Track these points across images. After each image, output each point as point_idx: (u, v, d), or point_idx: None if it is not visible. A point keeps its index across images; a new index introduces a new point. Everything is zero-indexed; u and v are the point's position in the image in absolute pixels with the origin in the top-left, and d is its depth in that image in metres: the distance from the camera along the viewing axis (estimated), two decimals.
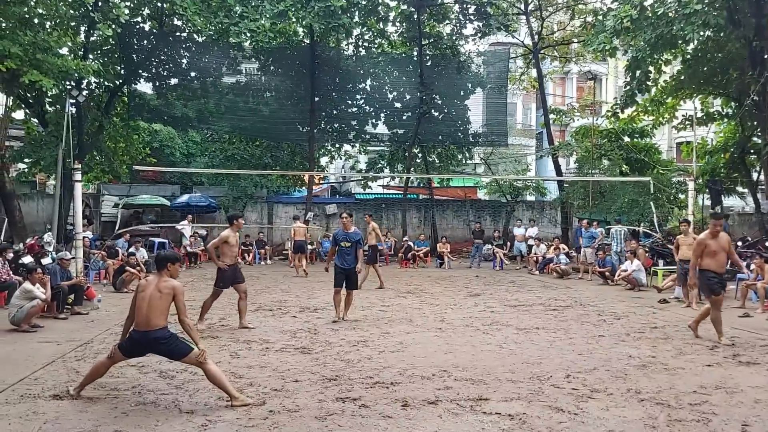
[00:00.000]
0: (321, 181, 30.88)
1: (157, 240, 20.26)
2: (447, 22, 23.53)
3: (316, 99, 24.07)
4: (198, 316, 9.20)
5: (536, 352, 7.60)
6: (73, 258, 10.70)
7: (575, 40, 25.09)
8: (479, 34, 23.04)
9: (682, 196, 22.21)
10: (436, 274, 18.13)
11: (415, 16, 22.75)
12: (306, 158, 25.53)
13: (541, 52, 24.84)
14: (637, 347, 7.87)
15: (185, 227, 19.82)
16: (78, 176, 10.69)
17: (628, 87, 19.49)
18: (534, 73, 27.75)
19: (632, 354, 7.45)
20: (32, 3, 16.56)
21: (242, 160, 25.25)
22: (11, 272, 11.36)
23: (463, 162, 27.62)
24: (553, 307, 11.46)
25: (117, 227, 16.90)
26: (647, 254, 15.93)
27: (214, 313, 10.56)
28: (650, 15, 16.54)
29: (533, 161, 34.61)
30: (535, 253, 18.96)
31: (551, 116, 25.53)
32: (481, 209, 27.05)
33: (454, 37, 23.39)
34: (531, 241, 19.85)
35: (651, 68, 18.88)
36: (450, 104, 25.38)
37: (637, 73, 18.96)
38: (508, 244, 21.02)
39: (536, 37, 24.19)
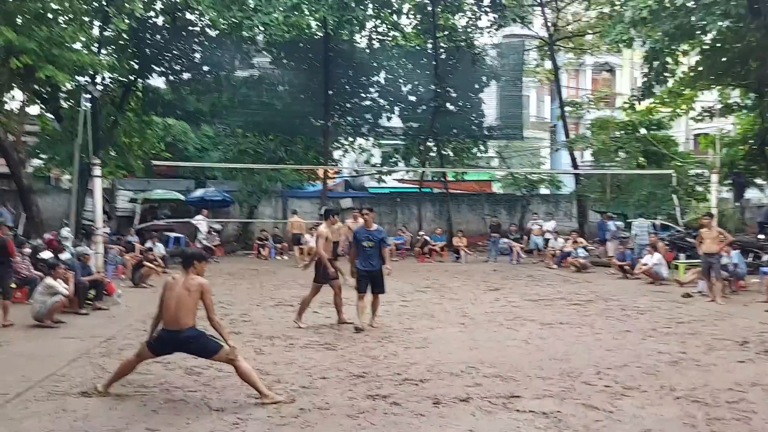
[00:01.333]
0: (335, 175, 30.78)
1: (172, 235, 20.28)
2: (461, 14, 23.31)
3: (330, 92, 23.96)
4: (296, 313, 9.12)
5: (563, 348, 7.50)
6: (94, 253, 10.69)
7: (590, 31, 24.79)
8: (494, 26, 22.82)
9: (700, 189, 21.97)
10: (453, 268, 18.03)
11: (430, 8, 22.57)
12: (320, 152, 25.46)
13: (557, 43, 24.57)
14: (666, 343, 7.74)
15: (201, 222, 19.83)
16: (97, 171, 10.66)
17: (645, 78, 19.24)
18: (548, 65, 27.51)
19: (661, 350, 7.33)
20: None
21: (256, 154, 25.18)
22: (31, 267, 11.38)
23: (478, 155, 27.44)
24: (575, 301, 11.33)
25: (136, 222, 16.90)
26: (667, 247, 15.73)
27: (235, 308, 10.56)
28: (669, 5, 16.29)
29: (548, 154, 34.33)
30: (553, 247, 18.80)
31: (567, 108, 25.27)
32: (497, 203, 26.89)
33: (468, 30, 23.19)
34: (548, 235, 19.68)
35: (669, 59, 18.62)
36: (464, 97, 25.19)
37: (655, 64, 18.73)
38: (525, 237, 20.85)
39: (551, 28, 23.93)
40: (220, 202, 23.42)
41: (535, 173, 26.62)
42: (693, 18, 15.54)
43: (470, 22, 23.38)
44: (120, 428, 4.76)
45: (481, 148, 26.82)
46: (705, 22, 15.29)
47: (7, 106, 18.13)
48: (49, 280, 8.99)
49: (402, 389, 5.82)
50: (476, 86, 25.04)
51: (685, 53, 19.58)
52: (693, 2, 15.67)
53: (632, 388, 5.80)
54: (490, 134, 25.84)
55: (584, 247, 17.70)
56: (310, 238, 20.94)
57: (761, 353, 7.15)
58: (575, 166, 24.62)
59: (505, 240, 20.63)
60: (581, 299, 11.60)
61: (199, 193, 23.50)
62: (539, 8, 23.75)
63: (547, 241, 19.60)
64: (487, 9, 22.43)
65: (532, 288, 13.43)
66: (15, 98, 19.13)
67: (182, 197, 23.22)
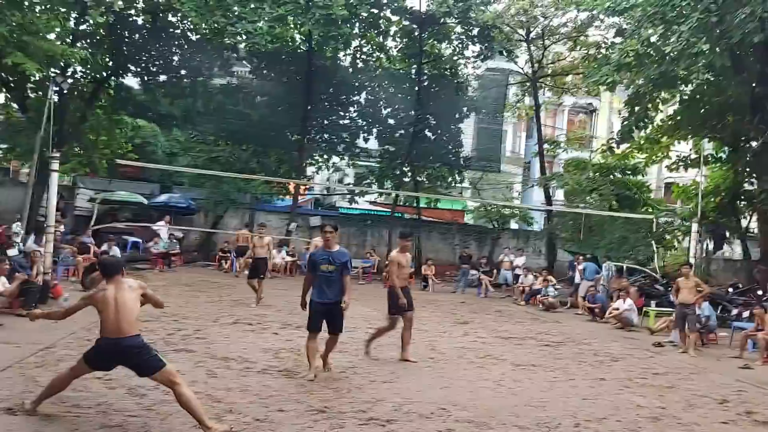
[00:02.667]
0: (306, 192, 30.22)
1: (131, 239, 19.45)
2: (448, 42, 23.25)
3: (309, 107, 23.54)
4: (366, 345, 8.51)
5: (537, 393, 7.07)
6: (43, 252, 9.95)
7: (574, 71, 24.98)
8: (480, 57, 22.79)
9: (668, 237, 22.04)
10: (421, 297, 17.44)
11: (417, 33, 22.44)
12: (293, 167, 24.93)
13: (539, 81, 24.67)
14: (643, 395, 7.37)
15: (161, 228, 19.05)
16: (55, 165, 9.98)
17: (626, 122, 19.30)
18: (528, 101, 27.62)
19: (640, 403, 6.95)
20: None
21: (227, 163, 24.47)
22: None
23: (453, 185, 27.25)
24: (546, 342, 10.97)
25: (92, 222, 16.08)
26: (638, 293, 15.56)
27: (189, 323, 9.91)
28: (654, 53, 16.39)
29: (521, 190, 34.38)
30: (522, 283, 18.52)
31: (544, 146, 25.30)
32: (467, 234, 26.63)
33: (454, 58, 23.13)
34: (518, 271, 19.43)
35: (650, 105, 18.74)
36: (444, 125, 25.04)
37: (636, 109, 18.83)
38: (494, 271, 20.56)
39: (536, 65, 24.02)
40: (185, 209, 22.64)
41: (509, 207, 26.46)
42: (677, 67, 15.63)
43: (456, 51, 23.31)
44: None
45: (457, 177, 26.62)
46: (689, 72, 15.36)
47: None
48: None
49: (366, 430, 5.31)
50: (456, 115, 24.92)
51: (664, 101, 19.74)
52: (678, 51, 15.76)
53: None
54: (466, 164, 25.69)
55: (554, 286, 17.45)
56: (276, 253, 20.41)
57: (743, 414, 6.83)
58: (549, 203, 24.56)
59: (475, 272, 20.29)
60: (552, 340, 11.24)
61: (163, 198, 22.69)
62: (525, 44, 23.83)
63: (517, 276, 19.33)
64: (475, 38, 22.39)
65: (502, 324, 13.05)
66: None
67: (145, 201, 22.36)
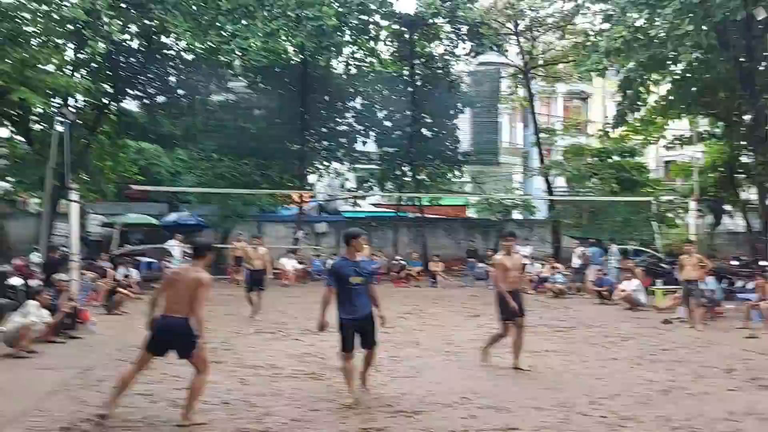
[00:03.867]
0: (309, 199, 30.62)
1: (144, 260, 19.82)
2: (438, 42, 23.63)
3: (306, 117, 23.95)
4: (483, 353, 8.29)
5: (554, 377, 7.46)
6: (70, 280, 10.36)
7: (564, 60, 25.33)
8: (471, 54, 23.17)
9: (670, 215, 22.40)
10: (431, 293, 17.97)
11: (407, 36, 22.82)
12: (295, 176, 25.33)
13: (531, 71, 25.04)
14: (654, 371, 7.75)
15: (174, 247, 19.43)
16: (74, 195, 10.38)
17: (619, 107, 19.67)
18: (521, 92, 27.96)
19: (651, 378, 7.33)
20: (24, 19, 16.24)
21: (232, 178, 24.90)
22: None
23: (453, 181, 27.61)
24: (558, 328, 11.34)
25: (113, 247, 16.50)
26: (644, 273, 15.92)
27: (214, 335, 10.27)
28: (642, 37, 16.74)
29: (522, 180, 34.73)
30: (529, 272, 18.85)
31: (541, 135, 25.65)
32: (472, 228, 26.99)
33: (445, 57, 23.51)
34: (525, 260, 19.74)
35: (641, 88, 19.10)
36: (440, 123, 25.41)
37: (628, 93, 19.19)
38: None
39: (526, 57, 24.38)
40: (194, 226, 23.04)
41: (510, 198, 26.82)
42: (665, 49, 15.98)
43: (447, 50, 23.68)
44: None
45: (456, 173, 26.99)
46: (677, 53, 15.72)
47: None
48: (31, 304, 8.64)
49: (396, 422, 5.70)
50: (452, 112, 25.29)
51: (656, 83, 20.10)
52: (665, 34, 16.11)
53: (628, 418, 5.76)
54: (465, 159, 26.05)
55: (561, 272, 17.80)
56: (287, 261, 20.85)
57: (749, 381, 7.19)
58: (550, 191, 24.90)
59: (482, 265, 20.64)
60: (564, 326, 11.61)
61: (172, 217, 23.10)
62: (515, 37, 24.18)
63: (523, 266, 19.64)
64: (464, 37, 22.77)
65: None
66: None
67: (155, 221, 22.78)
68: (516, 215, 28.18)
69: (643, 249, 19.06)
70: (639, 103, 19.40)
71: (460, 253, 25.00)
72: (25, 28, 16.74)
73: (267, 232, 25.26)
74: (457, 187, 29.14)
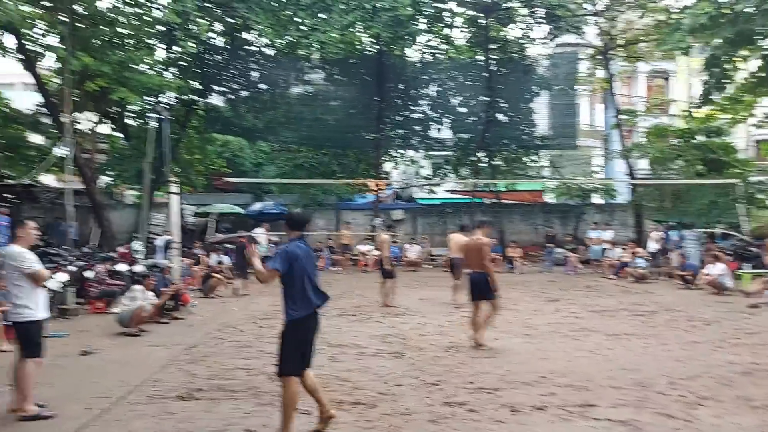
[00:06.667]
0: (385, 187, 31.18)
1: (233, 247, 20.90)
2: (514, 26, 23.43)
3: (381, 106, 24.38)
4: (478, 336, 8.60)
5: (632, 359, 7.57)
6: (172, 265, 11.28)
7: (646, 39, 24.49)
8: (549, 36, 22.85)
9: (761, 196, 21.40)
10: (508, 279, 18.01)
11: (482, 21, 22.78)
12: (371, 164, 25.89)
13: (610, 52, 24.38)
14: (737, 353, 7.72)
15: (260, 235, 20.42)
16: (174, 188, 11.25)
17: (704, 86, 18.96)
18: (600, 73, 27.27)
19: (733, 360, 7.33)
20: (121, 22, 17.43)
21: (310, 168, 25.81)
22: (109, 280, 12.06)
23: (529, 165, 27.38)
24: (639, 312, 11.30)
25: (208, 235, 17.59)
26: (730, 257, 15.45)
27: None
28: (728, 12, 16.09)
29: (601, 163, 33.90)
30: (611, 257, 18.63)
31: (621, 117, 24.99)
32: (549, 213, 26.73)
33: (521, 41, 23.30)
34: (606, 245, 19.52)
35: (728, 66, 18.33)
36: (516, 108, 25.21)
37: (714, 71, 18.48)
38: (581, 247, 20.72)
39: (605, 37, 23.77)
40: (277, 215, 24.05)
41: (589, 182, 26.33)
42: (754, 24, 15.31)
43: (523, 34, 23.44)
44: (220, 429, 5.13)
45: (533, 157, 26.75)
46: (766, 28, 15.04)
47: (81, 126, 19.11)
48: (137, 288, 9.55)
49: (477, 397, 6.03)
50: (528, 96, 25.05)
51: (744, 59, 19.22)
52: (754, 8, 15.44)
53: (707, 398, 5.86)
54: (542, 144, 25.77)
55: (643, 257, 17.49)
56: (364, 248, 21.51)
57: None
58: (631, 175, 24.28)
59: (561, 250, 20.53)
60: (645, 310, 11.55)
61: (257, 206, 24.21)
62: (593, 17, 23.61)
63: (604, 251, 19.44)
64: (541, 20, 22.48)
65: (593, 299, 13.40)
66: (88, 119, 20.13)
67: (241, 211, 23.96)
68: (596, 199, 27.67)
69: (731, 232, 18.39)
70: (726, 81, 18.62)
71: (537, 239, 24.87)
72: (121, 31, 17.99)
73: (345, 220, 26.06)
74: (534, 171, 28.85)
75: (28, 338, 5.61)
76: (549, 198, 29.94)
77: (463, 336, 9.15)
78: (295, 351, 5.04)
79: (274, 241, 21.56)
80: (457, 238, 12.76)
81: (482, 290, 8.45)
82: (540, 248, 22.82)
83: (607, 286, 15.82)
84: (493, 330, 9.64)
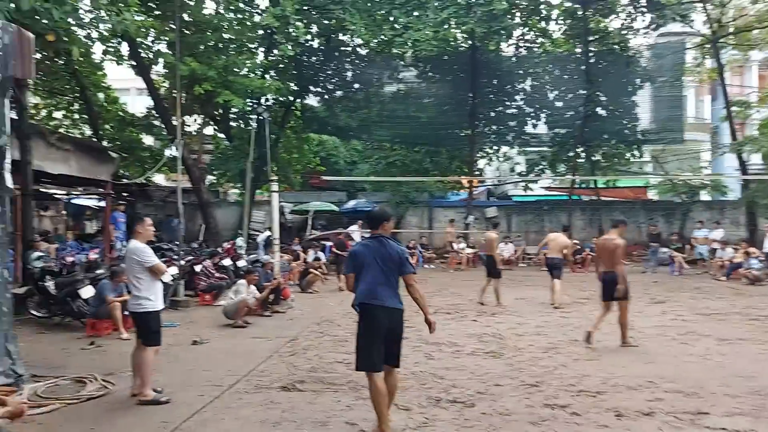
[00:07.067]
0: (478, 184, 30.87)
1: (328, 244, 21.45)
2: (614, 16, 22.53)
3: (474, 102, 24.17)
4: (623, 337, 8.47)
5: (747, 365, 7.12)
6: (273, 261, 11.75)
7: (759, 25, 22.83)
8: (652, 26, 21.79)
9: None
10: None
11: (580, 13, 22.07)
12: (464, 161, 25.71)
13: (720, 40, 22.91)
14: None
15: (355, 232, 20.80)
16: (275, 186, 11.71)
17: None
18: (709, 63, 25.74)
19: None
20: (224, 28, 18.31)
21: (403, 165, 25.99)
22: (216, 274, 12.70)
23: (631, 161, 26.24)
24: (753, 316, 10.59)
25: (308, 232, 18.19)
26: None
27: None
28: None
29: (710, 158, 31.98)
30: (720, 258, 17.55)
31: (733, 108, 23.44)
32: (653, 210, 25.49)
33: (623, 32, 22.36)
34: (715, 245, 18.41)
35: None
36: (616, 101, 24.25)
37: None
38: (687, 247, 19.65)
39: (714, 25, 22.37)
40: (370, 212, 24.42)
41: (697, 178, 24.89)
42: None
43: (624, 24, 22.51)
44: (323, 421, 5.29)
45: (635, 153, 25.61)
46: None
47: (189, 128, 20.27)
48: (241, 282, 10.02)
49: (579, 400, 5.88)
50: (630, 89, 24.02)
51: None
52: None
53: None
54: (645, 138, 24.62)
55: (758, 258, 16.35)
56: (458, 245, 21.43)
57: None
58: (743, 170, 22.75)
59: (666, 249, 19.55)
60: (760, 314, 10.81)
61: (351, 204, 24.67)
62: (701, 4, 22.28)
63: (713, 251, 18.34)
64: (644, 9, 21.48)
65: (701, 301, 12.69)
66: (196, 121, 21.33)
67: (336, 208, 24.52)
68: (704, 196, 26.15)
69: None
70: None
71: (639, 238, 23.82)
72: (224, 36, 18.89)
73: (437, 218, 26.05)
74: (637, 167, 27.66)
75: (148, 327, 6.02)
76: (652, 195, 28.64)
77: (562, 337, 8.95)
78: (363, 344, 5.00)
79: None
80: (558, 238, 12.51)
81: (614, 291, 8.39)
82: (643, 248, 21.84)
83: (718, 288, 14.92)
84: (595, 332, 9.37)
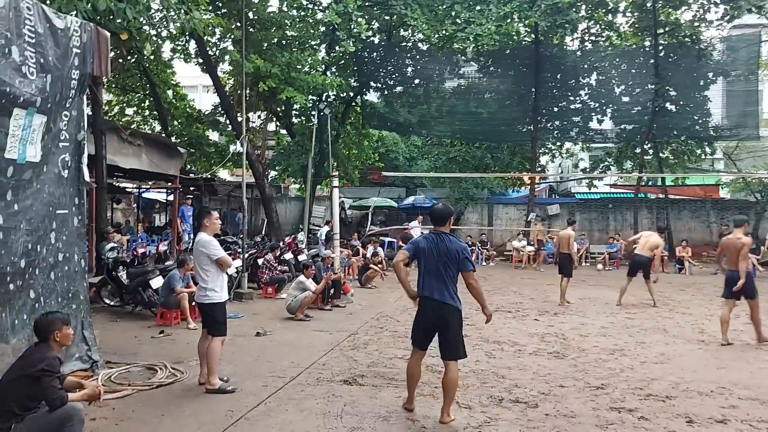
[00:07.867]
0: (540, 181, 30.33)
1: (387, 239, 21.55)
2: (686, 8, 21.65)
3: (537, 97, 23.73)
4: (757, 335, 8.66)
5: None
6: (334, 255, 11.89)
7: None
8: (726, 18, 20.83)
9: None
10: (677, 280, 16.83)
11: (650, 5, 21.32)
12: (526, 158, 25.30)
13: None
14: None
15: (415, 228, 20.78)
16: (336, 182, 11.83)
17: None
18: None
19: None
20: (288, 25, 18.60)
21: (463, 161, 25.80)
22: (278, 267, 12.93)
23: (702, 158, 25.20)
24: None
25: (367, 227, 18.39)
26: None
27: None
28: None
29: None
30: None
31: None
32: (724, 210, 24.44)
33: (695, 24, 21.46)
34: None
35: None
36: (687, 96, 23.32)
37: None
38: (762, 248, 18.73)
39: None
40: (430, 208, 24.36)
41: None
42: None
43: (697, 16, 21.60)
44: (384, 415, 5.31)
45: (707, 149, 24.58)
46: None
47: (253, 124, 20.73)
48: (301, 277, 10.18)
49: (647, 404, 5.69)
50: (702, 83, 23.05)
51: None
52: None
53: None
54: (717, 134, 23.59)
55: None
56: (518, 243, 21.09)
57: None
58: None
59: None
60: None
61: (410, 200, 24.67)
62: None
63: None
64: (717, 0, 20.55)
65: None
66: (259, 117, 21.79)
67: (395, 204, 24.56)
68: None
69: None
70: None
71: (709, 238, 22.90)
72: (288, 33, 19.20)
73: (497, 215, 25.75)
74: (708, 164, 26.56)
75: (214, 318, 6.17)
76: (724, 194, 27.46)
77: (628, 339, 8.70)
78: (413, 327, 5.48)
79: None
80: (651, 237, 12.28)
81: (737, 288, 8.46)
82: (713, 248, 20.94)
83: None
84: (662, 334, 9.08)
